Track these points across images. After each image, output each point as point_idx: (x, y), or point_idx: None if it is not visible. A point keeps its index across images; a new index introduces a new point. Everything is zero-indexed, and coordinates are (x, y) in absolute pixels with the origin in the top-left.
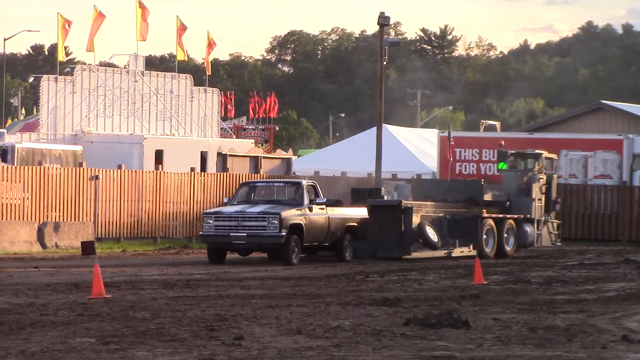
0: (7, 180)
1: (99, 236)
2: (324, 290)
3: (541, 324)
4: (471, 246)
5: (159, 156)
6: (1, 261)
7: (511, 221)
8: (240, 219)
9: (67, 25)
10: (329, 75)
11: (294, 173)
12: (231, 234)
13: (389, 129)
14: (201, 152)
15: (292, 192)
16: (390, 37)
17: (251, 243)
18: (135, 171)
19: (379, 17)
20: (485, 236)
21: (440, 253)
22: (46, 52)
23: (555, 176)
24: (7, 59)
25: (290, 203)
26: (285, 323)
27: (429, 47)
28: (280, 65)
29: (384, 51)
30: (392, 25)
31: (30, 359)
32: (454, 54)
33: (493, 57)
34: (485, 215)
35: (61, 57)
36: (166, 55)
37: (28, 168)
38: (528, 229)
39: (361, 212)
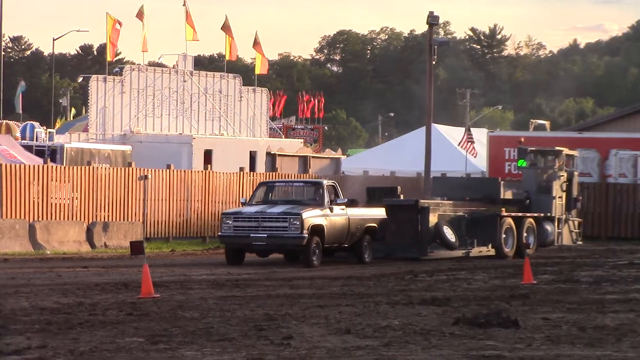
0: (56, 180)
1: (148, 236)
2: (373, 290)
3: (590, 323)
4: (490, 245)
5: (208, 156)
6: (50, 261)
7: (531, 220)
8: (261, 220)
9: (117, 25)
10: (378, 75)
11: (342, 173)
12: (251, 235)
13: (438, 128)
14: (250, 151)
15: (312, 192)
16: (440, 36)
17: (271, 244)
18: (184, 171)
19: (428, 16)
20: (504, 235)
21: (458, 253)
22: (95, 52)
23: (576, 173)
24: (56, 59)
25: (310, 203)
26: (334, 322)
27: (478, 47)
28: (329, 65)
29: (433, 50)
30: (441, 25)
31: (79, 359)
32: (503, 53)
33: (542, 57)
34: (505, 214)
35: (110, 57)
36: (215, 55)
37: (77, 168)
38: (548, 227)
39: (380, 212)
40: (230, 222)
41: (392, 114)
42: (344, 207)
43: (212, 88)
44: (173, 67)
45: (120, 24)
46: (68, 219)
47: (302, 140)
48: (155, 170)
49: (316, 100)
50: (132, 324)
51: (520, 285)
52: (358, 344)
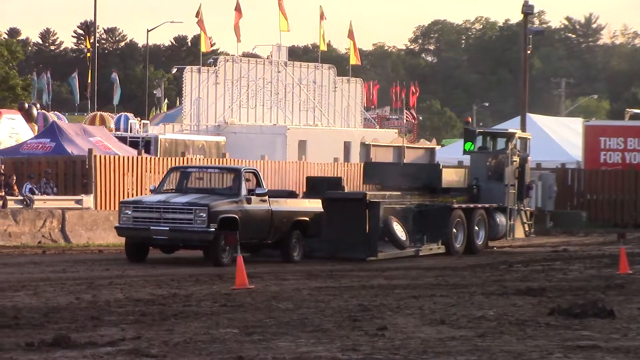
0: (150, 172)
1: None
2: (468, 280)
3: None
4: (440, 242)
5: (302, 146)
6: None
7: (482, 211)
8: (163, 210)
9: (200, 17)
10: (472, 65)
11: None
12: (151, 228)
13: (533, 118)
14: (344, 142)
15: (228, 181)
16: (534, 25)
17: (175, 239)
18: (279, 162)
19: (523, 5)
20: (454, 230)
21: (409, 252)
22: (189, 43)
23: (529, 158)
24: (150, 51)
25: (224, 193)
26: (428, 313)
27: (574, 36)
28: (423, 55)
29: (527, 40)
30: (536, 14)
31: (174, 350)
32: (598, 42)
33: (638, 45)
34: (456, 205)
35: (204, 48)
36: (309, 45)
37: (171, 159)
38: (500, 219)
39: (315, 205)
40: (130, 213)
41: (486, 104)
42: (265, 198)
43: (306, 78)
44: (267, 58)
45: (201, 19)
46: None
47: (397, 130)
48: (249, 161)
49: (415, 90)
50: (226, 315)
51: (616, 275)
52: (452, 334)
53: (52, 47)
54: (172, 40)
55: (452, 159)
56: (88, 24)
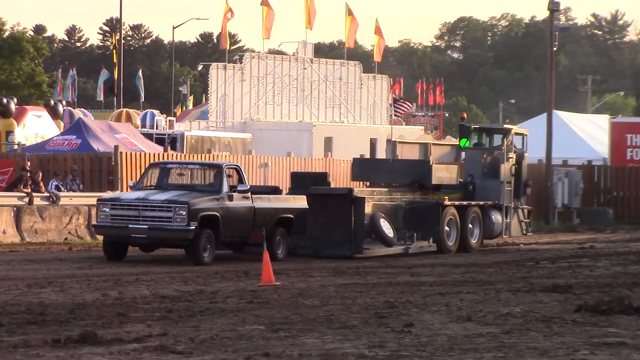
0: None
1: None
2: (494, 277)
3: None
4: (431, 240)
5: (328, 143)
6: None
7: (476, 209)
8: (142, 208)
9: (229, 14)
10: (498, 61)
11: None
12: (130, 226)
13: (560, 114)
14: (370, 139)
15: (209, 178)
16: (561, 22)
17: (154, 237)
18: (305, 158)
19: (549, 2)
20: (447, 228)
21: (397, 250)
22: (215, 40)
23: (526, 155)
24: (176, 47)
25: (205, 190)
26: (455, 310)
27: (600, 33)
28: (449, 52)
29: (554, 37)
30: (562, 11)
31: (200, 346)
32: (624, 39)
33: None
34: (448, 203)
35: (228, 45)
36: (335, 42)
37: (197, 156)
38: (495, 217)
39: (300, 202)
40: (107, 210)
41: (512, 101)
42: (248, 195)
43: (332, 75)
44: (293, 55)
45: (232, 13)
46: None
47: (423, 127)
48: (275, 158)
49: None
50: (253, 311)
51: None
52: (479, 331)
53: (78, 44)
54: (198, 37)
55: None
56: (114, 20)
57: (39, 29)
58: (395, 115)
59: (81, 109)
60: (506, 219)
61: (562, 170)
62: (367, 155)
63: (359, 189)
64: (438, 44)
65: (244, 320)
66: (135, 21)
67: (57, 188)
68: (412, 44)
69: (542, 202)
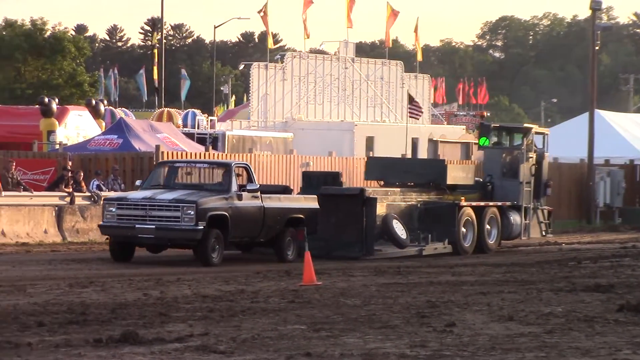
0: None
1: None
2: (536, 277)
3: None
4: (446, 241)
5: (369, 143)
6: None
7: (494, 209)
8: (149, 208)
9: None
10: (540, 61)
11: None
12: (137, 226)
13: (602, 114)
14: (412, 138)
15: (217, 177)
16: (602, 21)
17: (161, 237)
18: (346, 158)
19: (591, 1)
20: (463, 229)
21: (410, 252)
22: (256, 40)
23: (546, 154)
24: (217, 47)
25: (214, 189)
26: (496, 309)
27: None
28: (491, 51)
29: (596, 36)
30: (604, 10)
31: (241, 346)
32: None
33: None
34: (464, 203)
35: (270, 44)
36: (376, 41)
37: (238, 155)
38: (514, 218)
39: (310, 201)
40: (114, 210)
41: (554, 100)
42: (257, 194)
43: (373, 75)
44: (334, 54)
45: (266, 13)
46: None
47: (465, 127)
48: (317, 158)
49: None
50: (294, 311)
51: None
52: (521, 330)
53: (119, 44)
54: (239, 37)
55: None
56: (155, 20)
57: (81, 29)
58: (410, 115)
59: (122, 108)
60: (525, 220)
61: (604, 169)
62: (409, 155)
63: (373, 188)
64: (480, 43)
65: (285, 320)
66: (177, 21)
67: (99, 188)
68: (453, 44)
69: (584, 202)
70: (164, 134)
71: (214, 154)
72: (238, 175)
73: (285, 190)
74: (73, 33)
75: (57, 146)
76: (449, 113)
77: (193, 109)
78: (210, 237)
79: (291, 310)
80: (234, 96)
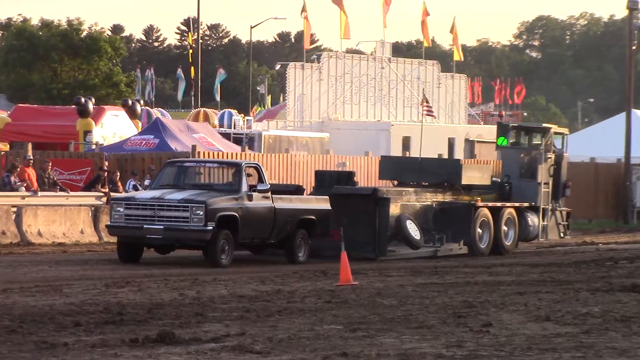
0: None
1: None
2: (573, 277)
3: None
4: (462, 242)
5: (406, 143)
6: None
7: (511, 210)
8: (157, 208)
9: (302, 15)
10: (577, 60)
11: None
12: (145, 226)
13: (639, 113)
14: (448, 138)
15: (227, 176)
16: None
17: (170, 238)
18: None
19: (628, 1)
20: (479, 230)
21: (424, 252)
22: (293, 40)
23: (565, 155)
24: (253, 47)
25: (223, 189)
26: (533, 309)
27: None
28: (528, 51)
29: (632, 35)
30: None
31: (278, 346)
32: None
33: None
34: (481, 204)
35: (307, 44)
36: (413, 41)
37: (275, 155)
38: (531, 219)
39: (322, 202)
40: (122, 210)
41: (591, 100)
42: (268, 194)
43: (410, 75)
44: (371, 54)
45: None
46: None
47: None
48: (353, 158)
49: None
50: (331, 311)
51: None
52: (557, 331)
53: (156, 44)
54: (276, 37)
55: None
56: (191, 20)
57: (117, 29)
58: (426, 114)
59: (159, 108)
60: (543, 221)
61: None
62: (446, 155)
63: (387, 187)
64: (516, 43)
65: (321, 320)
66: (213, 21)
67: (135, 188)
68: (490, 43)
69: (621, 202)
70: (200, 134)
71: (250, 154)
72: (248, 175)
73: (298, 190)
74: (109, 33)
75: (94, 146)
76: (485, 113)
77: (229, 109)
78: (219, 238)
79: (327, 310)
80: (270, 96)
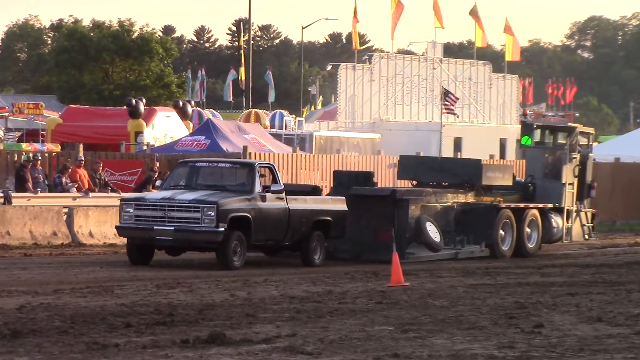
0: (305, 169)
1: None
2: (625, 278)
3: None
4: (483, 244)
5: (457, 143)
6: None
7: (534, 212)
8: (168, 209)
9: (356, 15)
10: (629, 61)
11: (593, 160)
12: (155, 228)
13: None
14: (500, 139)
15: (240, 177)
16: None
17: (180, 240)
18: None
19: None
20: (502, 231)
21: (445, 255)
22: (344, 40)
23: (591, 155)
24: (305, 47)
25: (236, 190)
26: (585, 311)
27: None
28: (579, 51)
29: None
30: None
31: (329, 347)
32: None
33: None
34: (503, 205)
35: (357, 45)
36: (464, 42)
37: (326, 156)
38: (555, 220)
39: (338, 203)
40: (131, 211)
41: None
42: (282, 195)
43: (461, 75)
44: (422, 55)
45: (356, 16)
46: None
47: None
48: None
49: (572, 87)
50: (382, 312)
51: None
52: (609, 332)
53: (207, 45)
54: (327, 37)
55: (608, 156)
56: (242, 21)
57: (168, 30)
58: (445, 110)
59: (210, 109)
60: (567, 222)
61: None
62: (497, 156)
63: (406, 188)
64: (568, 43)
65: (373, 321)
66: (264, 21)
67: None
68: (542, 44)
69: None
70: (251, 135)
71: (301, 154)
72: (262, 175)
73: (315, 190)
74: (160, 34)
75: (145, 147)
76: (537, 114)
77: (281, 110)
78: (231, 239)
79: (379, 311)
80: (321, 97)
